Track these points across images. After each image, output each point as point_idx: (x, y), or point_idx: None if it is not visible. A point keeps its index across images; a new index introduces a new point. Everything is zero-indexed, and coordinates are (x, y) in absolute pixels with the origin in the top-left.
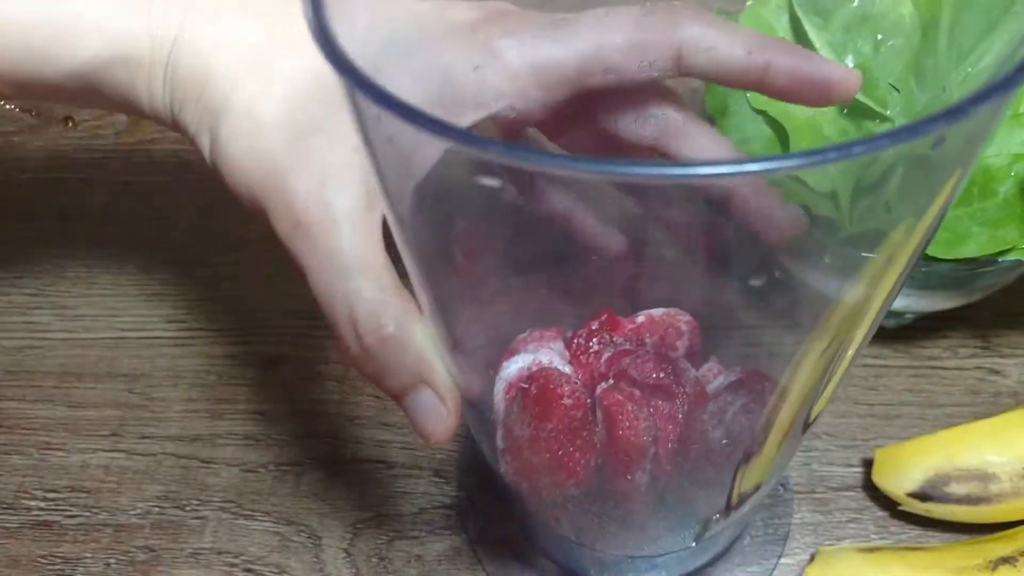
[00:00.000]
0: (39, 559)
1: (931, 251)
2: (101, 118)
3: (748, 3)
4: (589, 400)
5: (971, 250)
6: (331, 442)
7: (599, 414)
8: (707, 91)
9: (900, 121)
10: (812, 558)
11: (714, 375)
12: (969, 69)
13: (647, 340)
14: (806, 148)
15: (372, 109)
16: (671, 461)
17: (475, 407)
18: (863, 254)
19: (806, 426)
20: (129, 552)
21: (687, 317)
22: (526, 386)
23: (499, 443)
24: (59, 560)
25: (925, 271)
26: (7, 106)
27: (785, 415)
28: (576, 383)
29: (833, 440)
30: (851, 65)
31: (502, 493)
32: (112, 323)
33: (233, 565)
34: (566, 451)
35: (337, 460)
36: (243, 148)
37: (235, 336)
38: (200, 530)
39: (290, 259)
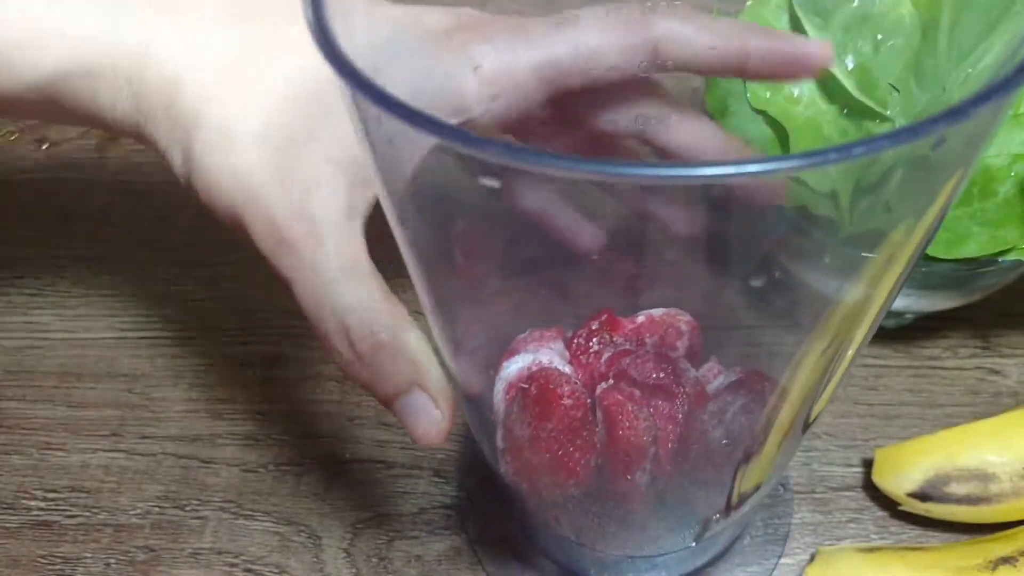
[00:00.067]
0: (39, 559)
1: (931, 251)
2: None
3: (748, 3)
4: (589, 400)
5: (971, 250)
6: (331, 442)
7: (599, 414)
8: (707, 91)
9: (900, 121)
10: (812, 558)
11: (714, 375)
12: (969, 69)
13: (647, 340)
14: (806, 148)
15: (372, 110)
16: (671, 461)
17: (475, 407)
18: (863, 254)
19: (806, 426)
20: (129, 552)
21: (687, 317)
22: (526, 386)
23: (499, 443)
24: (59, 560)
25: (925, 271)
26: None
27: (785, 415)
28: (576, 383)
29: (833, 440)
30: (851, 65)
31: (502, 493)
32: (112, 323)
33: (233, 565)
34: (566, 451)
35: (337, 460)
36: (218, 164)
37: (235, 336)
38: (200, 530)
39: (274, 273)
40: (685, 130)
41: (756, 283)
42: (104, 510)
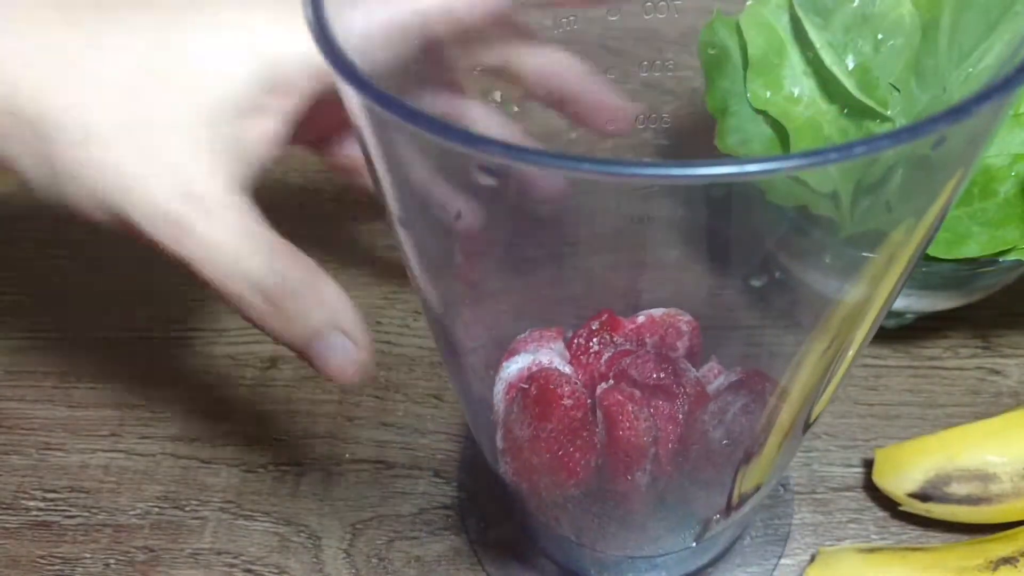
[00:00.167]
0: (38, 559)
1: (931, 251)
2: None
3: (748, 3)
4: (589, 400)
5: (971, 250)
6: (331, 442)
7: (599, 414)
8: (707, 91)
9: (901, 121)
10: (812, 558)
11: (714, 375)
12: (970, 69)
13: (647, 340)
14: (807, 148)
15: (372, 110)
16: (671, 461)
17: (475, 407)
18: (864, 254)
19: (806, 426)
20: (129, 552)
21: (687, 317)
22: (526, 386)
23: (499, 443)
24: (58, 560)
25: (925, 271)
26: None
27: (785, 415)
28: (576, 383)
29: (833, 440)
30: (851, 65)
31: (502, 493)
32: (112, 323)
33: (233, 565)
34: (566, 451)
35: (337, 460)
36: (80, 159)
37: (235, 336)
38: (200, 530)
39: (170, 259)
40: (545, 57)
41: (756, 283)
42: (103, 510)
